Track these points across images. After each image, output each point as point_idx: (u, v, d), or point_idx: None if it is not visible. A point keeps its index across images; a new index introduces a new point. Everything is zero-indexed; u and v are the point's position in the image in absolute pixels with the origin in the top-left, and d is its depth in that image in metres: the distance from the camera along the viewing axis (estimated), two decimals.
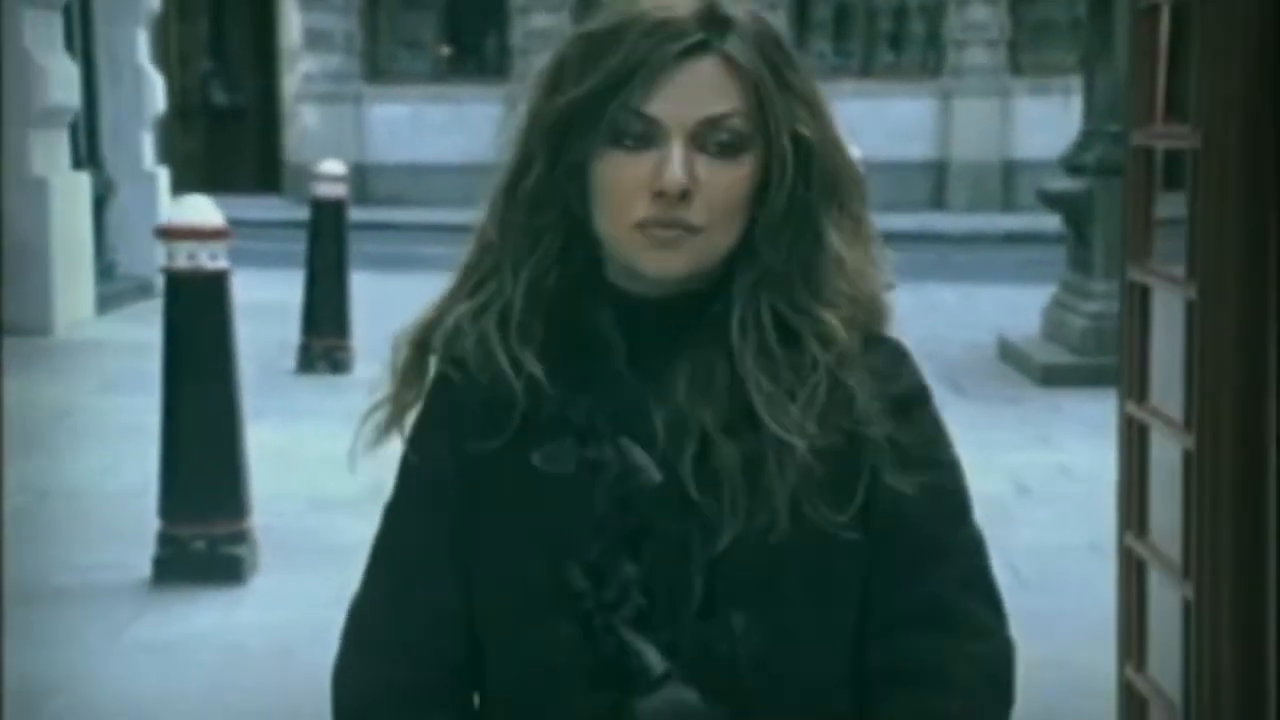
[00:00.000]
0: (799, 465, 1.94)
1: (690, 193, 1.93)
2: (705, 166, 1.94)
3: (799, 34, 25.44)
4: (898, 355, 2.03)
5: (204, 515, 6.77)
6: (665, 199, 1.93)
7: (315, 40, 26.69)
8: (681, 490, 1.94)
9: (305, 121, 26.24)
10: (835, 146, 2.00)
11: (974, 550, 2.07)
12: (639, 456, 1.95)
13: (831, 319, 1.97)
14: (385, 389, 2.10)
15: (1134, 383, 3.17)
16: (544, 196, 1.99)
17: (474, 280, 2.05)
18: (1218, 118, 2.63)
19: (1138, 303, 3.15)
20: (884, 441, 1.98)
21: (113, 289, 14.59)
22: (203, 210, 6.90)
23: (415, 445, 2.07)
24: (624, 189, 1.95)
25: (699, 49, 1.94)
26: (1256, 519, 2.68)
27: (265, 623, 6.35)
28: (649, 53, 1.93)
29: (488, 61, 27.15)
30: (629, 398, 1.97)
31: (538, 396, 1.98)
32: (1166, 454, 3.03)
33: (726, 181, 1.95)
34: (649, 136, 1.94)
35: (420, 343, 2.06)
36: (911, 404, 2.03)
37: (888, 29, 27.30)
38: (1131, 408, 3.18)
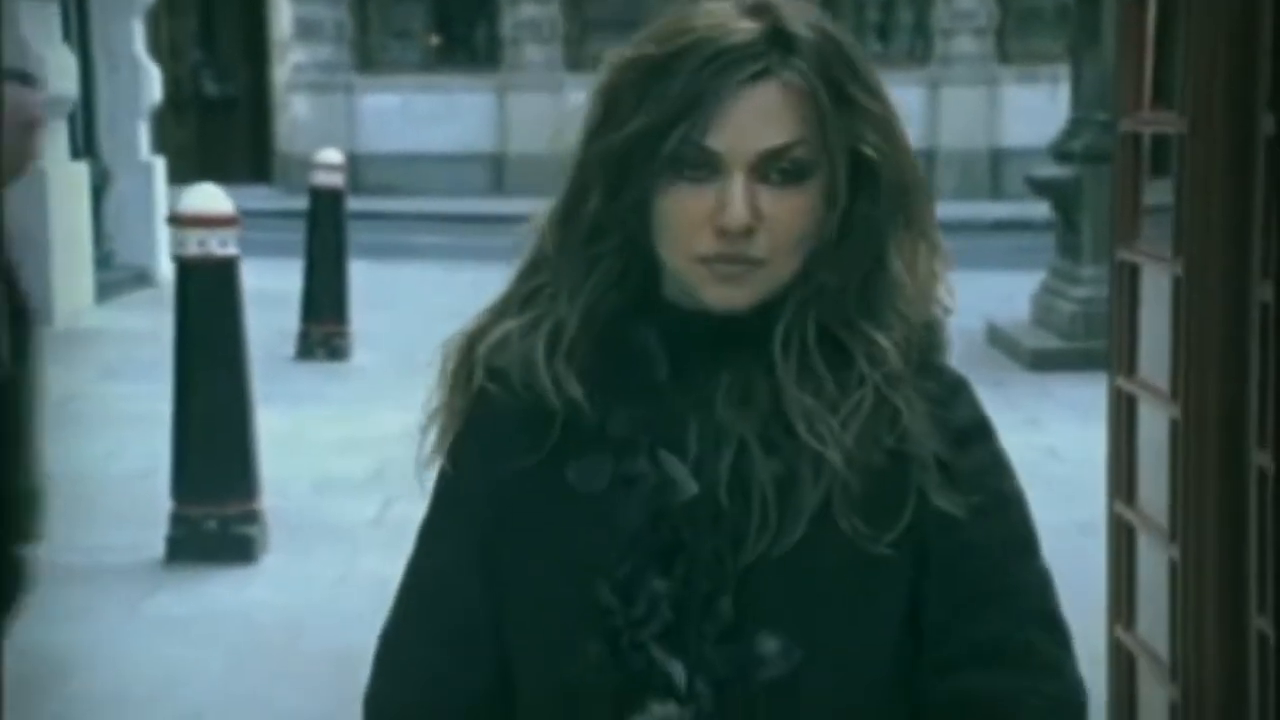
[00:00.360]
0: (833, 479, 1.89)
1: (754, 228, 1.88)
2: (768, 198, 1.89)
3: None
4: (956, 385, 1.98)
5: (216, 496, 6.95)
6: (728, 235, 1.88)
7: (306, 30, 26.77)
8: (715, 503, 1.91)
9: (296, 111, 26.35)
10: (903, 161, 1.96)
11: (1043, 586, 1.99)
12: (676, 469, 1.92)
13: (884, 340, 1.93)
14: (437, 398, 2.04)
15: (1122, 357, 3.34)
16: (603, 224, 1.94)
17: (525, 293, 2.01)
18: (1202, 104, 2.76)
19: (1126, 281, 3.32)
20: (931, 460, 1.92)
21: (111, 278, 14.74)
22: (213, 198, 7.07)
23: (451, 457, 2.02)
24: (687, 223, 1.90)
25: (761, 75, 1.88)
26: (1239, 483, 2.84)
27: (277, 599, 6.53)
28: (710, 82, 1.87)
29: (478, 52, 27.24)
30: (668, 410, 1.93)
31: (576, 413, 1.94)
32: (1154, 426, 3.20)
33: (790, 211, 1.90)
34: (711, 168, 1.88)
35: (468, 349, 2.02)
36: (970, 436, 1.97)
37: (875, 18, 27.35)
38: (1121, 380, 3.35)
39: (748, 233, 1.87)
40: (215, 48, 28.31)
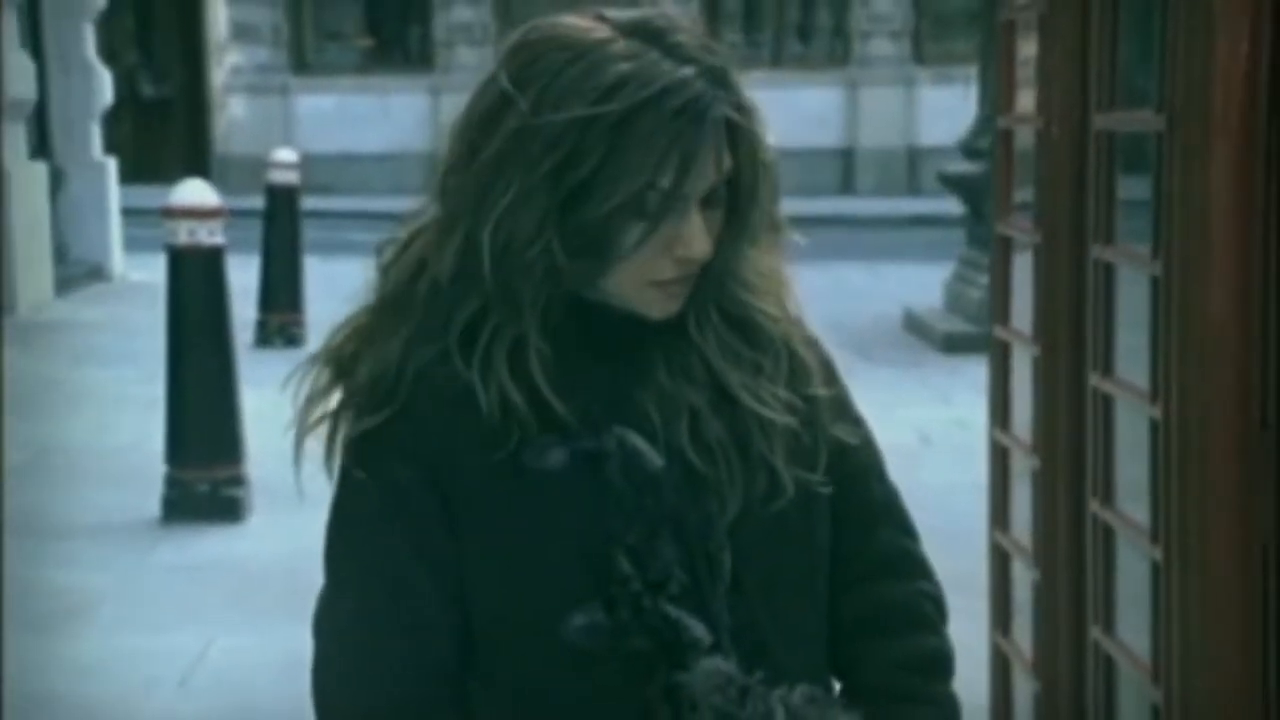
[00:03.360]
0: (778, 434, 2.05)
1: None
2: (707, 220, 2.01)
3: (711, 25, 26.02)
4: (803, 325, 2.17)
5: (206, 461, 7.69)
6: (688, 263, 2.00)
7: (242, 33, 27.10)
8: (686, 469, 2.01)
9: (234, 113, 26.82)
10: (765, 155, 2.05)
11: (899, 495, 2.24)
12: (638, 441, 2.00)
13: (770, 306, 2.10)
14: (304, 406, 2.14)
15: (999, 311, 4.14)
16: (542, 260, 1.97)
17: (464, 319, 2.03)
18: (1184, 96, 2.80)
19: (1002, 251, 4.13)
20: (828, 400, 2.12)
21: (67, 273, 15.28)
22: (201, 192, 7.82)
23: (367, 463, 2.09)
24: (646, 256, 1.99)
25: (715, 117, 1.97)
26: (1080, 404, 3.63)
27: (267, 551, 7.27)
28: (684, 136, 1.94)
29: (411, 54, 27.64)
30: (618, 393, 2.02)
31: (535, 407, 2.00)
32: (1024, 365, 4.00)
33: (717, 224, 2.04)
34: (670, 209, 1.97)
35: (387, 369, 2.05)
36: (833, 369, 2.19)
37: (796, 20, 27.75)
38: (998, 329, 4.16)
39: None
40: (152, 49, 28.55)
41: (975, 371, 11.49)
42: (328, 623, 2.07)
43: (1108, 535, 3.38)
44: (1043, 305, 3.72)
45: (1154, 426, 2.99)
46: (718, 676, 1.96)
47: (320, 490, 7.92)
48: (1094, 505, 3.44)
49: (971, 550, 6.53)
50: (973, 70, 15.96)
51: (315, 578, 7.07)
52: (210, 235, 7.70)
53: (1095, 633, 3.41)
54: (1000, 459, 4.17)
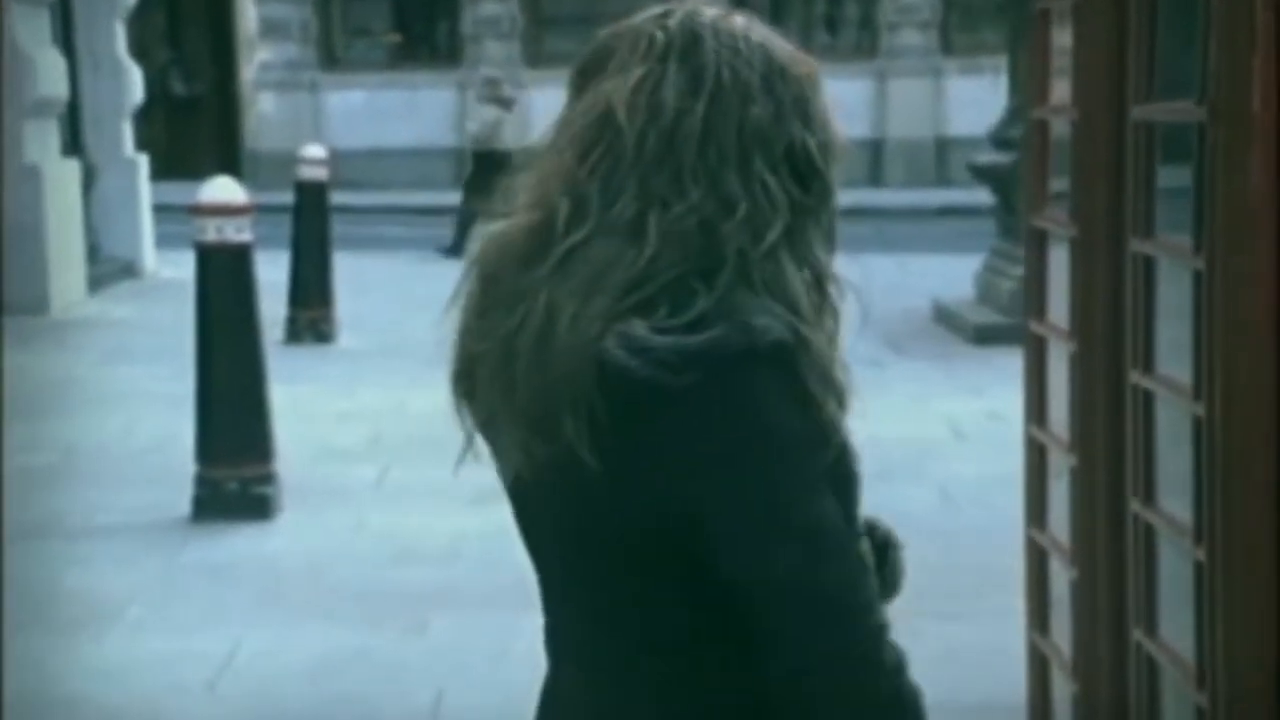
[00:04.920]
0: None
1: None
2: None
3: None
4: None
5: (236, 459, 7.66)
6: None
7: (271, 30, 27.18)
8: None
9: (264, 109, 26.90)
10: None
11: None
12: None
13: None
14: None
15: (1034, 304, 4.09)
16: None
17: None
18: (1226, 93, 2.79)
19: (1036, 243, 4.07)
20: None
21: (99, 271, 15.30)
22: (229, 189, 7.79)
23: (791, 415, 1.97)
24: None
25: None
26: (1119, 401, 3.58)
27: (296, 548, 7.26)
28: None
29: (439, 49, 27.71)
30: None
31: None
32: (1061, 360, 3.95)
33: None
34: None
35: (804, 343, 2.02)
36: None
37: (823, 11, 27.83)
38: (1033, 324, 4.10)
39: None
40: (183, 47, 28.72)
41: (1007, 363, 11.44)
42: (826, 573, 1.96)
43: (1149, 534, 3.33)
44: (1079, 300, 3.67)
45: (1197, 424, 2.93)
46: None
47: (348, 487, 7.90)
48: (1134, 504, 3.39)
49: (1007, 546, 6.48)
50: (1001, 61, 15.93)
51: (343, 577, 7.06)
52: (238, 232, 7.67)
53: (1137, 634, 3.36)
54: (1036, 456, 4.12)
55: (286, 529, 7.59)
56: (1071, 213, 3.71)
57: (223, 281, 7.70)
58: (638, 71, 2.00)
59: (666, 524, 1.97)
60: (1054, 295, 4.00)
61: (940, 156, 25.94)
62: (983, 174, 13.71)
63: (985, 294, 13.13)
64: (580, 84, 2.07)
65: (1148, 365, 3.35)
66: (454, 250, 17.04)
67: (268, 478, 7.74)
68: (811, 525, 1.94)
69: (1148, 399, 3.34)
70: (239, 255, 7.70)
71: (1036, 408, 4.07)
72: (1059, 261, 3.94)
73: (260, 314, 7.88)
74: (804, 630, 1.92)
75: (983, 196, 14.76)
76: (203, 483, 7.65)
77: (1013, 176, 12.61)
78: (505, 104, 18.72)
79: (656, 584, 2.01)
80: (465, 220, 16.93)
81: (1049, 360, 4.06)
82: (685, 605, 2.01)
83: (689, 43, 2.02)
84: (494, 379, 2.02)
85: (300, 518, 7.71)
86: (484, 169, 17.62)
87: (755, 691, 1.99)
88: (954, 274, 14.12)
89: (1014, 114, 12.95)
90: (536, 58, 26.63)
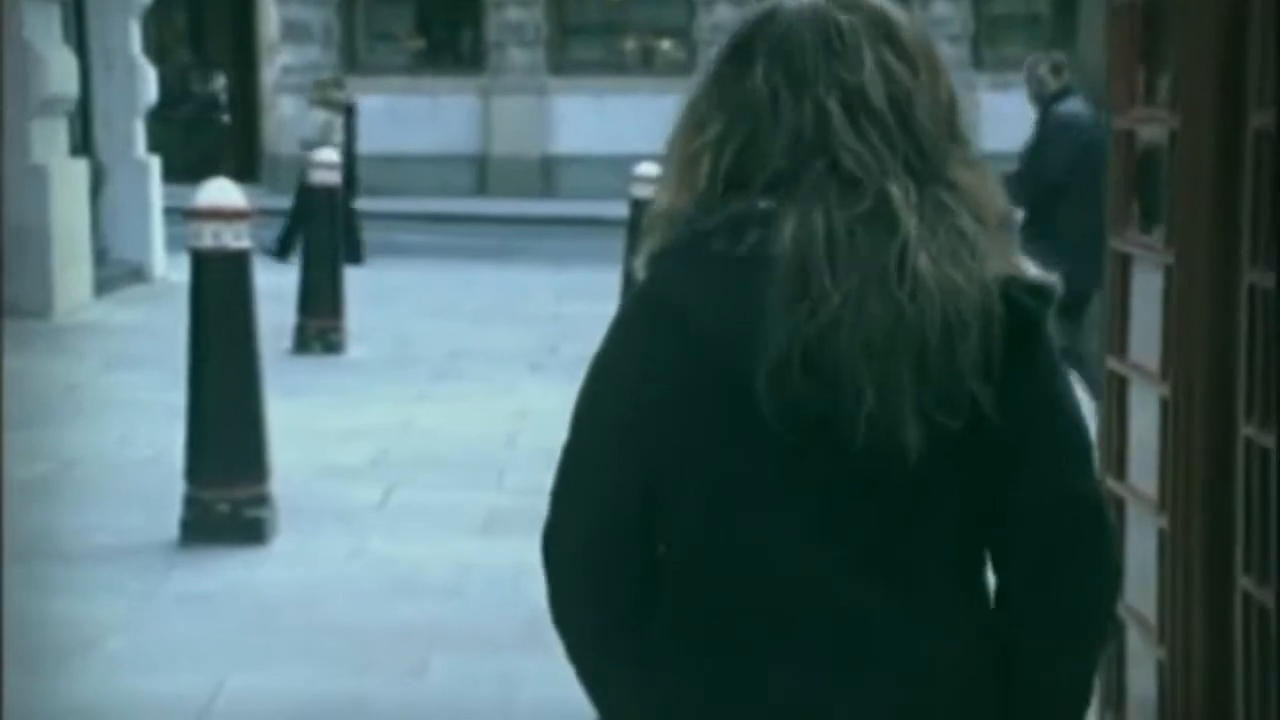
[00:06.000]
0: None
1: None
2: None
3: None
4: None
5: (227, 480, 7.16)
6: None
7: (293, 32, 26.92)
8: None
9: (284, 112, 26.52)
10: None
11: None
12: None
13: None
14: None
15: (1115, 339, 3.58)
16: None
17: None
18: (1193, 100, 2.95)
19: (1119, 269, 3.56)
20: None
21: (107, 274, 14.89)
22: (227, 193, 7.29)
23: None
24: None
25: None
26: (1224, 454, 3.08)
27: (288, 579, 6.75)
28: None
29: (462, 55, 27.44)
30: None
31: None
32: (1144, 404, 3.45)
33: None
34: None
35: None
36: None
37: None
38: (1113, 362, 3.60)
39: None
40: (204, 48, 28.46)
41: None
42: None
43: (1262, 619, 2.82)
44: (1176, 337, 3.16)
45: None
46: None
47: (349, 508, 7.33)
48: (1245, 582, 2.88)
49: None
50: None
51: (338, 610, 6.47)
52: (236, 238, 7.18)
53: None
54: (1111, 509, 3.60)
55: (280, 555, 7.10)
56: (1168, 235, 3.21)
57: (219, 290, 7.20)
58: (868, 59, 2.11)
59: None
60: (1138, 329, 3.50)
61: None
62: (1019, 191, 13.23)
63: None
64: (735, 56, 2.16)
65: (1265, 418, 2.85)
66: (281, 252, 16.72)
67: (261, 499, 7.24)
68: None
69: (1264, 457, 2.84)
70: (237, 262, 7.20)
71: (1115, 458, 3.56)
72: (1145, 290, 3.44)
73: (258, 325, 7.38)
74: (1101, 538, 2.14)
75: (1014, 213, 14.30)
76: (192, 504, 7.16)
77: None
78: (336, 107, 18.24)
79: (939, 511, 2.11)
80: (295, 223, 16.38)
81: (1130, 403, 3.55)
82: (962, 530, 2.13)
83: (889, 29, 2.15)
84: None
85: (295, 542, 7.22)
86: None
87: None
88: None
89: None
90: (561, 65, 26.32)
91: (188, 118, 26.85)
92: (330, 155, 12.85)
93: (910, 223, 2.05)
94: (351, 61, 27.07)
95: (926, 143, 2.12)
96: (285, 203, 17.68)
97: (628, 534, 2.13)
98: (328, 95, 18.43)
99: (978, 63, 26.53)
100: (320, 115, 18.19)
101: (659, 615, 2.14)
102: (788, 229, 2.05)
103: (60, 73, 13.91)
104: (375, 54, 27.64)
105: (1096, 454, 2.28)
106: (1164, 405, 3.23)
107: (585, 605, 2.16)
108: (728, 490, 2.09)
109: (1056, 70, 10.24)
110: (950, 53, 26.56)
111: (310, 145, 17.51)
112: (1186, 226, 3.15)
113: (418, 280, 16.57)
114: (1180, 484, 3.16)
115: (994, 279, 2.06)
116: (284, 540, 7.25)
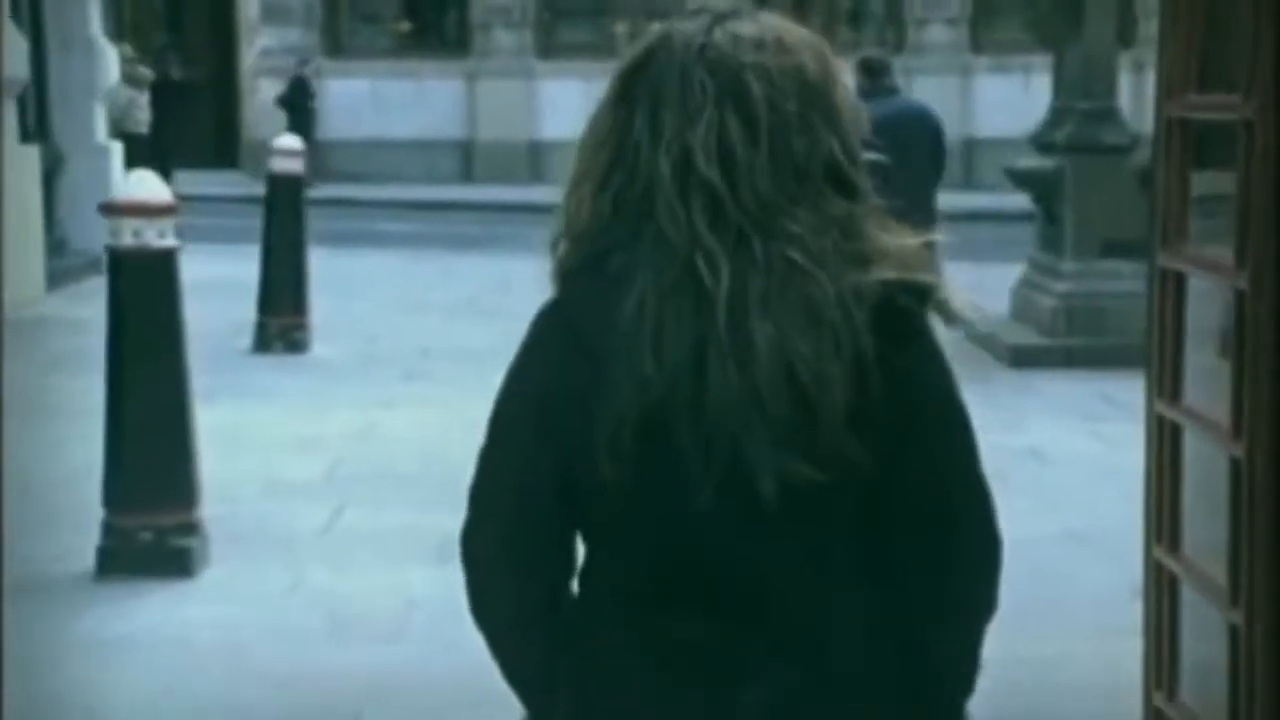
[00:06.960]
0: None
1: None
2: None
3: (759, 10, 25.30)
4: None
5: (151, 505, 6.47)
6: None
7: (273, 14, 26.45)
8: None
9: (264, 96, 25.90)
10: None
11: None
12: None
13: None
14: None
15: (1165, 380, 2.88)
16: None
17: None
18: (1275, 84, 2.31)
19: (1171, 292, 2.87)
20: None
21: (63, 265, 14.29)
22: (150, 186, 6.60)
23: None
24: None
25: None
26: None
27: (215, 618, 6.07)
28: None
29: (447, 38, 26.99)
30: None
31: None
32: (1203, 460, 2.77)
33: None
34: None
35: None
36: None
37: (847, 6, 27.15)
38: (1162, 407, 2.90)
39: None
40: (182, 31, 27.87)
41: (1047, 389, 10.50)
42: None
43: None
44: (1251, 380, 2.48)
45: None
46: None
47: (291, 533, 6.49)
48: None
49: (1073, 629, 5.46)
50: (1033, 60, 15.17)
51: (265, 655, 5.63)
52: (160, 237, 6.47)
53: None
54: (1164, 592, 2.91)
55: (208, 589, 6.39)
56: (1239, 251, 2.51)
57: (140, 294, 6.50)
58: (705, 120, 2.13)
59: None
60: (1195, 368, 2.81)
61: (968, 159, 25.00)
62: (1024, 180, 12.80)
63: (1022, 312, 12.37)
64: (624, 90, 2.21)
65: None
66: None
67: (190, 528, 6.53)
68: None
69: None
70: (161, 263, 6.50)
71: (1167, 526, 2.86)
72: (1204, 319, 2.75)
73: (185, 332, 6.67)
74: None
75: (1015, 201, 14.04)
76: (111, 532, 6.45)
77: (1057, 183, 11.83)
78: (139, 84, 18.44)
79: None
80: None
81: (1185, 457, 2.85)
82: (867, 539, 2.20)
83: (739, 90, 2.15)
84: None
85: (227, 574, 6.52)
86: (129, 150, 16.76)
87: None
88: (986, 287, 13.02)
89: (1059, 115, 12.46)
90: (548, 48, 25.80)
91: (164, 102, 26.20)
92: (292, 142, 12.14)
93: (727, 289, 2.09)
94: (334, 44, 26.62)
95: (761, 205, 2.12)
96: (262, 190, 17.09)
97: (543, 526, 2.23)
98: (133, 72, 18.31)
99: (975, 46, 26.22)
100: (124, 93, 17.83)
101: (576, 590, 2.27)
102: (632, 295, 2.10)
103: (8, 53, 13.24)
104: (358, 36, 27.13)
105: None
106: (1235, 466, 2.55)
107: (505, 597, 2.26)
108: (634, 484, 2.15)
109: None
110: (948, 36, 26.11)
111: (116, 123, 17.24)
112: (1262, 243, 2.45)
113: (394, 270, 15.94)
114: (1260, 566, 2.48)
115: (870, 291, 2.11)
116: (214, 572, 6.55)
